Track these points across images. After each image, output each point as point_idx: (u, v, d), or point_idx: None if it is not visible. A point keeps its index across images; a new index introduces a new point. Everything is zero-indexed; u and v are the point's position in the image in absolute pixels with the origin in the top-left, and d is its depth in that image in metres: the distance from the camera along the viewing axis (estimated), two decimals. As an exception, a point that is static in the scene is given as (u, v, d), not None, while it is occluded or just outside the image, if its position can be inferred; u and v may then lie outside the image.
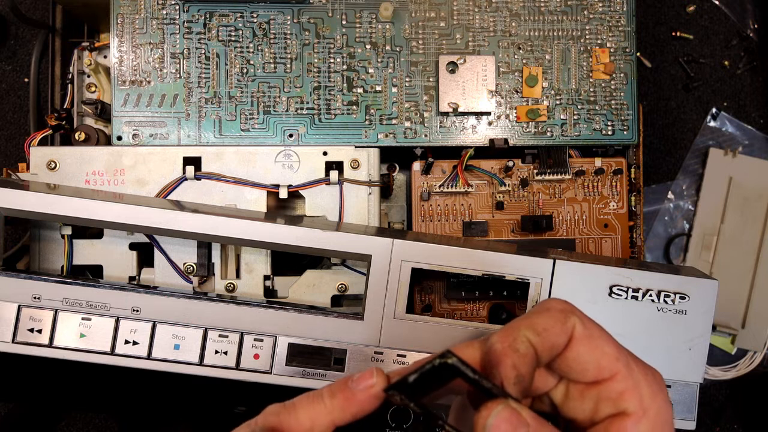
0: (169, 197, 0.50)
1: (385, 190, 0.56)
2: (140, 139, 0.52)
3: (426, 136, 0.53)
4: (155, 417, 0.58)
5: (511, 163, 0.53)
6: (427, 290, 0.53)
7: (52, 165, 0.50)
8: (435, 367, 0.26)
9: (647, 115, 0.66)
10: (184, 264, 0.49)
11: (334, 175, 0.50)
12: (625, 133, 0.54)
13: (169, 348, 0.44)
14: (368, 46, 0.53)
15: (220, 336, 0.45)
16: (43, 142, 0.52)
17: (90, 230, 0.51)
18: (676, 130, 0.67)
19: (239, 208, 0.50)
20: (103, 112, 0.54)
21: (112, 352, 0.44)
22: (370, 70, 0.53)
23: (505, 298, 0.53)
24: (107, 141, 0.55)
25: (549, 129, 0.53)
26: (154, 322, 0.44)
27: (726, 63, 0.67)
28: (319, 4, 0.53)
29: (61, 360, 0.44)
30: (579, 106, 0.54)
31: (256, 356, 0.45)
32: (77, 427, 0.63)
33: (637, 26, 0.54)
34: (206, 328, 0.45)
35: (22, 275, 0.45)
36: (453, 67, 0.53)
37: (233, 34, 0.52)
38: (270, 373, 0.45)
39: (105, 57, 0.58)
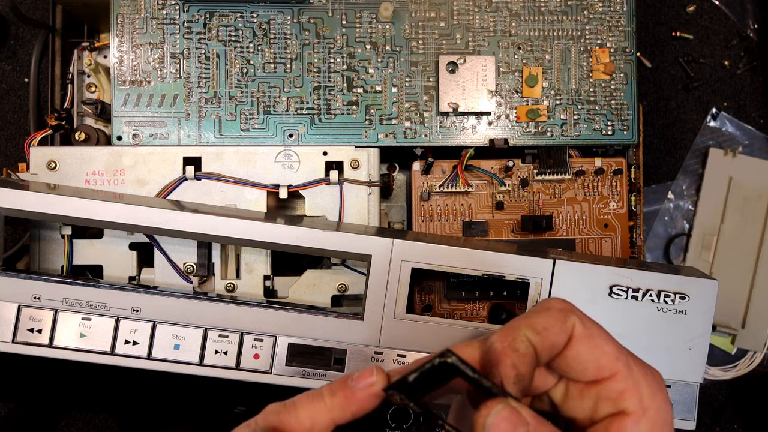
0: (169, 197, 0.50)
1: (385, 190, 0.56)
2: (140, 139, 0.52)
3: (426, 136, 0.53)
4: (155, 417, 0.58)
5: (511, 163, 0.53)
6: (427, 290, 0.53)
7: (52, 165, 0.50)
8: (435, 366, 0.26)
9: (647, 115, 0.66)
10: (184, 264, 0.49)
11: (334, 175, 0.50)
12: (625, 133, 0.54)
13: (169, 348, 0.44)
14: (368, 46, 0.53)
15: (220, 336, 0.45)
16: (43, 142, 0.52)
17: (90, 230, 0.51)
18: (676, 130, 0.67)
19: (239, 208, 0.50)
20: (103, 112, 0.54)
21: (112, 352, 0.44)
22: (370, 70, 0.53)
23: (505, 298, 0.53)
24: (107, 141, 0.55)
25: (549, 129, 0.53)
26: (154, 322, 0.44)
27: (726, 63, 0.67)
28: (319, 4, 0.53)
29: (61, 360, 0.44)
30: (579, 106, 0.54)
31: (256, 356, 0.45)
32: (77, 427, 0.63)
33: (637, 26, 0.54)
34: (206, 328, 0.45)
35: (22, 275, 0.45)
36: (453, 67, 0.53)
37: (233, 34, 0.52)
38: (270, 373, 0.45)
39: (105, 57, 0.58)
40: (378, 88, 0.53)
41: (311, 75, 0.53)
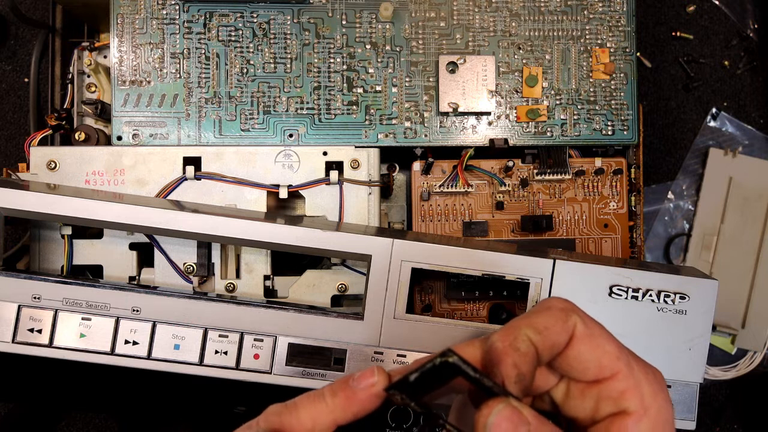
0: (169, 197, 0.50)
1: (385, 190, 0.56)
2: (140, 139, 0.52)
3: (426, 136, 0.53)
4: (155, 417, 0.58)
5: (511, 163, 0.53)
6: (427, 290, 0.53)
7: (52, 165, 0.50)
8: (436, 366, 0.26)
9: (647, 115, 0.66)
10: (184, 264, 0.49)
11: (334, 175, 0.50)
12: (625, 133, 0.54)
13: (169, 348, 0.44)
14: (368, 46, 0.53)
15: (220, 336, 0.45)
16: (43, 142, 0.52)
17: (90, 230, 0.51)
18: (676, 130, 0.67)
19: (239, 208, 0.50)
20: (103, 112, 0.54)
21: (112, 352, 0.44)
22: (370, 70, 0.53)
23: (505, 298, 0.52)
24: (107, 141, 0.55)
25: (549, 129, 0.53)
26: (154, 322, 0.44)
27: (726, 63, 0.68)
28: (319, 4, 0.53)
29: (61, 360, 0.44)
30: (579, 106, 0.54)
31: (256, 356, 0.45)
32: (77, 427, 0.63)
33: (637, 26, 0.54)
34: (206, 328, 0.45)
35: (22, 275, 0.45)
36: (453, 67, 0.53)
37: (233, 34, 0.52)
38: (270, 373, 0.45)
39: (105, 57, 0.58)
40: (378, 88, 0.53)
41: (311, 75, 0.53)
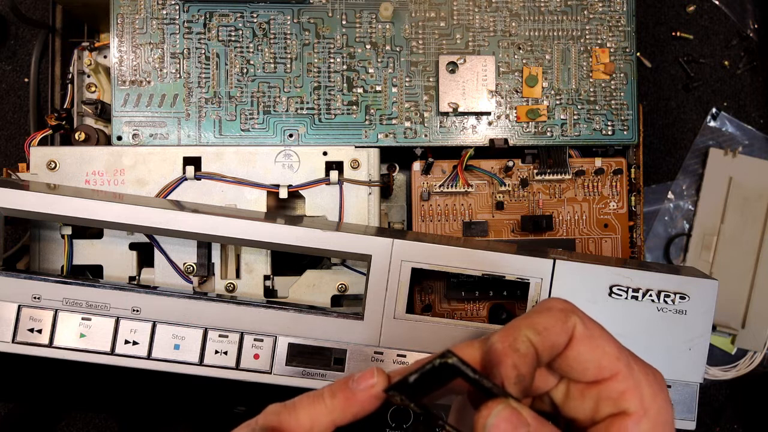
0: (169, 197, 0.50)
1: (385, 190, 0.56)
2: (140, 139, 0.52)
3: (426, 136, 0.53)
4: (155, 417, 0.58)
5: (511, 163, 0.53)
6: (427, 290, 0.53)
7: (52, 165, 0.50)
8: (435, 367, 0.26)
9: (647, 115, 0.66)
10: (184, 264, 0.49)
11: (334, 175, 0.50)
12: (625, 133, 0.54)
13: (169, 348, 0.44)
14: (368, 46, 0.53)
15: (220, 336, 0.45)
16: (43, 142, 0.52)
17: (90, 230, 0.51)
18: (676, 130, 0.67)
19: (239, 208, 0.50)
20: (103, 112, 0.54)
21: (112, 352, 0.44)
22: (370, 70, 0.53)
23: (505, 298, 0.52)
24: (107, 141, 0.55)
25: (549, 129, 0.53)
26: (154, 322, 0.44)
27: (726, 63, 0.67)
28: (319, 4, 0.53)
29: (61, 360, 0.44)
30: (579, 106, 0.54)
31: (256, 356, 0.45)
32: (77, 427, 0.63)
33: (637, 26, 0.54)
34: (206, 328, 0.45)
35: (22, 275, 0.45)
36: (453, 67, 0.53)
37: (233, 34, 0.52)
38: (270, 373, 0.45)
39: (105, 57, 0.58)
40: (378, 88, 0.53)
41: (311, 75, 0.52)
